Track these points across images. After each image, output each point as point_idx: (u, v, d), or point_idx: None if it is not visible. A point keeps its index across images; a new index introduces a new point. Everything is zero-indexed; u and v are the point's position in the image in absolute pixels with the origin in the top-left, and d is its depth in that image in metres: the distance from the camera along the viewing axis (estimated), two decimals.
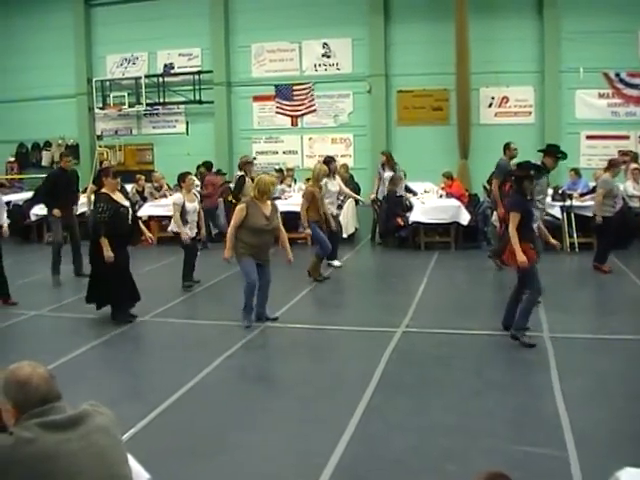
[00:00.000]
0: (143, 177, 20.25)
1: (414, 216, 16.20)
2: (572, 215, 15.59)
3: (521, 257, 8.57)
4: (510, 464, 5.53)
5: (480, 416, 6.63)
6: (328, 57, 26.74)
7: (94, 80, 28.54)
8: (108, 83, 28.53)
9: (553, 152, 11.17)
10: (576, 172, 18.62)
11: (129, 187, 19.66)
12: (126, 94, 27.96)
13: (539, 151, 10.92)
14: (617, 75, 24.51)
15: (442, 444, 5.93)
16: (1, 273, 11.50)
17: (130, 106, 27.99)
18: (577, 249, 15.40)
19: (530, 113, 25.29)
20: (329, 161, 14.68)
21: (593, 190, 16.08)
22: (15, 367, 3.12)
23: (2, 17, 28.92)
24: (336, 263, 14.48)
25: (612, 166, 13.00)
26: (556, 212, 15.71)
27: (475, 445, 5.96)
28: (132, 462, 3.40)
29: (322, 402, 7.01)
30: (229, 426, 6.45)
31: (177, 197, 12.60)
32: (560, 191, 16.67)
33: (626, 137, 24.39)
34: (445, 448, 5.86)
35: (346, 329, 9.83)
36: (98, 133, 29.22)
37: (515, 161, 12.13)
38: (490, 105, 25.54)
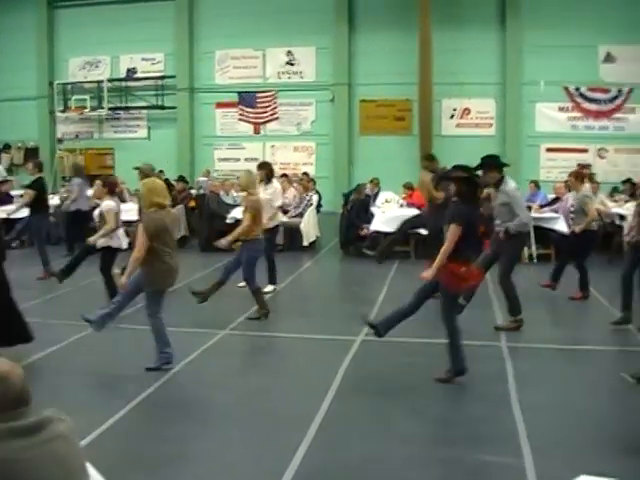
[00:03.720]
0: (100, 182, 20.03)
1: (375, 225, 16.26)
2: (531, 227, 15.72)
3: (429, 273, 7.69)
4: (468, 472, 5.57)
5: (438, 424, 6.67)
6: (292, 65, 26.81)
7: (56, 83, 28.38)
8: (70, 86, 28.38)
9: (494, 164, 10.09)
10: (535, 184, 18.83)
11: (89, 192, 19.51)
12: (88, 98, 27.80)
13: (476, 168, 10.11)
14: (577, 89, 24.90)
15: (401, 452, 5.94)
16: None
17: (92, 110, 27.85)
18: (535, 260, 15.55)
19: (491, 125, 25.57)
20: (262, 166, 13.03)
21: (552, 202, 16.27)
22: None
23: None
24: (268, 288, 12.62)
25: (583, 177, 12.86)
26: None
27: (434, 453, 5.99)
28: (91, 470, 3.36)
29: (281, 410, 6.98)
30: (188, 434, 6.41)
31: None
32: None
33: (585, 150, 24.76)
34: (404, 456, 5.87)
35: (305, 337, 9.83)
36: (59, 136, 29.00)
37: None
38: (452, 116, 25.79)
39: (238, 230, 10.77)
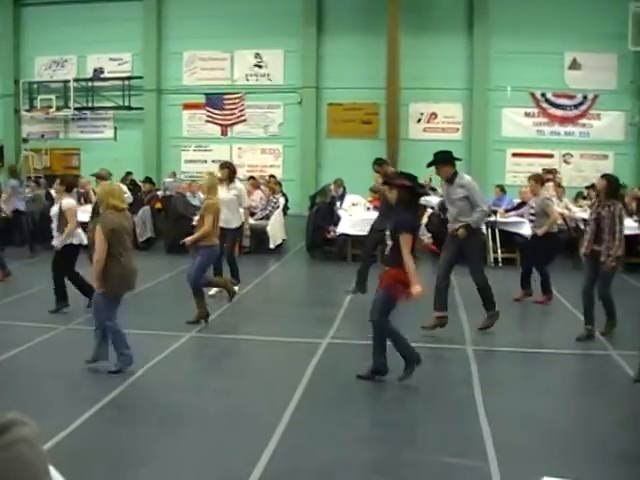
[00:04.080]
0: (58, 180, 19.84)
1: (341, 228, 16.27)
2: (496, 231, 15.84)
3: (417, 287, 7.53)
4: (433, 475, 5.60)
5: (403, 428, 6.69)
6: (260, 67, 26.80)
7: (21, 82, 28.09)
8: (36, 85, 28.08)
9: (448, 159, 9.99)
10: (501, 188, 18.94)
11: (54, 192, 19.34)
12: (54, 97, 27.56)
13: (430, 165, 10.06)
14: (543, 95, 25.17)
15: (367, 456, 5.95)
16: None
17: (58, 109, 27.61)
18: (500, 264, 15.66)
19: (458, 129, 25.75)
20: (225, 165, 12.87)
21: (518, 207, 16.37)
22: None
23: None
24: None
25: (543, 181, 12.91)
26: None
27: (399, 456, 6.00)
28: (55, 475, 3.32)
29: (247, 413, 6.96)
30: (152, 437, 6.37)
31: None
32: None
33: (550, 156, 25.04)
34: (370, 459, 5.88)
35: (271, 340, 9.81)
36: (24, 136, 28.73)
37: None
38: (419, 120, 25.93)
39: (198, 233, 10.60)
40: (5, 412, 3.04)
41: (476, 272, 10.02)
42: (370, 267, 12.33)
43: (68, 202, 11.04)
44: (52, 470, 3.27)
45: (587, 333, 9.71)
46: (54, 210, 11.27)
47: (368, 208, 17.77)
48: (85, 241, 11.16)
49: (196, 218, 16.28)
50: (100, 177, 12.34)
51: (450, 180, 9.97)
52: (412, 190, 7.90)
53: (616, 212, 9.40)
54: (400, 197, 7.86)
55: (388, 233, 7.87)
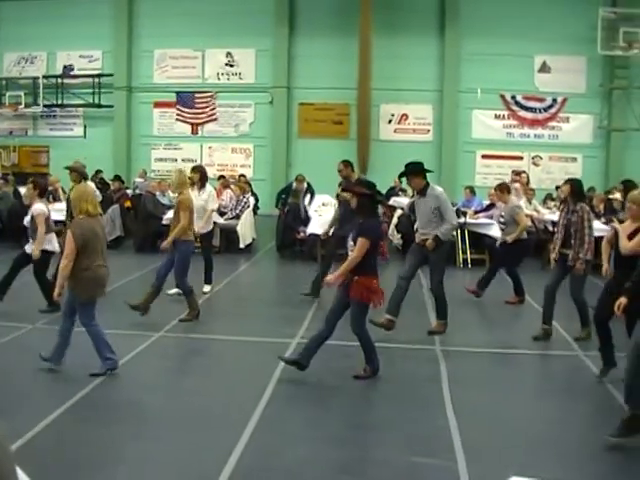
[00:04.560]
0: (31, 185, 19.65)
1: (311, 228, 16.27)
2: (466, 232, 15.93)
3: (334, 278, 7.99)
4: (402, 475, 5.63)
5: (372, 427, 6.71)
6: (231, 66, 26.77)
7: None
8: (4, 82, 27.81)
9: (420, 170, 9.92)
10: (471, 190, 19.03)
11: (23, 190, 19.17)
12: (23, 94, 27.32)
13: (401, 175, 10.05)
14: (513, 97, 25.40)
15: (335, 455, 5.97)
16: None
17: (26, 106, 27.37)
18: (470, 265, 15.76)
19: (429, 131, 25.89)
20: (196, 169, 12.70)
21: (487, 208, 16.48)
22: None
23: None
24: (206, 288, 12.69)
25: (508, 189, 12.91)
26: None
27: (367, 456, 6.04)
28: (21, 475, 3.31)
29: (216, 412, 6.96)
30: (122, 436, 6.35)
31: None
32: (455, 208, 17.00)
33: (520, 158, 25.26)
34: (338, 459, 5.90)
35: (241, 339, 9.80)
36: None
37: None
38: (390, 121, 26.04)
39: (176, 230, 10.58)
40: None
41: (435, 283, 10.04)
42: (328, 272, 12.35)
43: (38, 207, 10.87)
44: (19, 471, 3.26)
45: (544, 332, 9.82)
46: (27, 218, 11.15)
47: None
48: (57, 247, 11.02)
49: (166, 217, 16.37)
50: (74, 170, 12.15)
51: (422, 192, 9.94)
52: (371, 197, 8.10)
53: (584, 216, 9.48)
54: (360, 204, 8.04)
55: (351, 240, 7.95)
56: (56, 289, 8.08)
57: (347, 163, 12.57)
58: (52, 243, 11.00)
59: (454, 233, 14.86)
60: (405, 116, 26.01)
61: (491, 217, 15.66)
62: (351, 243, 8.03)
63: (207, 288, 12.60)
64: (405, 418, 6.86)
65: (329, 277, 8.14)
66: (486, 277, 12.45)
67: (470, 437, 6.24)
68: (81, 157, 13.25)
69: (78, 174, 11.92)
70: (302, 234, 16.67)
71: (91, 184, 12.67)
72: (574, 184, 9.77)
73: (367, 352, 8.10)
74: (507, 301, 12.23)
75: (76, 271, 7.78)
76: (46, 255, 10.97)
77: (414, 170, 9.96)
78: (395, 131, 26.06)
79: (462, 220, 15.83)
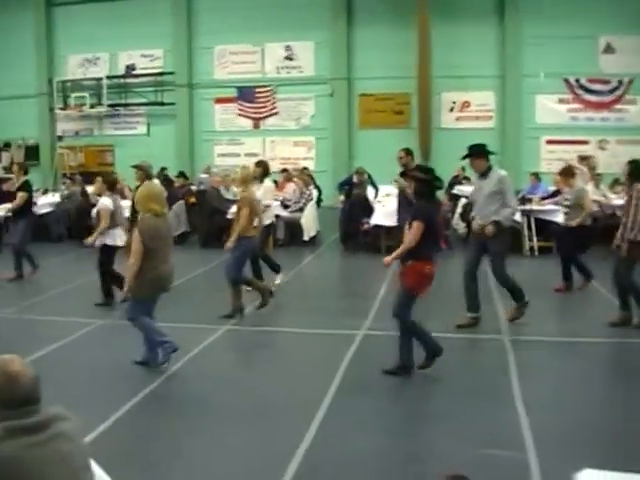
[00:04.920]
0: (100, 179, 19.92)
1: (375, 219, 16.21)
2: (532, 219, 15.70)
3: (390, 259, 7.91)
4: (470, 467, 5.54)
5: (440, 419, 6.66)
6: (291, 60, 26.81)
7: (55, 80, 28.35)
8: (69, 83, 28.35)
9: (483, 152, 9.88)
10: (536, 176, 18.79)
11: (90, 189, 19.49)
12: (87, 95, 27.82)
13: (464, 157, 10.02)
14: (577, 81, 24.88)
15: (403, 447, 5.94)
16: None
17: (91, 107, 27.88)
18: (537, 253, 15.53)
19: (491, 117, 25.58)
20: (259, 164, 12.73)
21: (553, 195, 16.22)
22: (6, 359, 3.07)
23: None
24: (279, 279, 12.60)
25: (572, 173, 12.67)
26: (516, 216, 15.80)
27: (435, 448, 5.98)
28: (95, 467, 3.36)
29: (282, 405, 6.97)
30: (190, 430, 6.41)
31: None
32: (520, 195, 16.78)
33: (585, 142, 24.73)
34: (406, 450, 5.87)
35: (307, 332, 9.82)
36: (59, 134, 29.01)
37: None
38: (451, 109, 25.82)
39: (237, 229, 10.63)
40: (48, 407, 3.08)
41: (498, 270, 9.87)
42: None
43: (102, 202, 11.13)
44: (93, 464, 3.32)
45: (623, 318, 9.62)
46: (94, 211, 11.41)
47: None
48: (119, 243, 11.20)
49: (231, 211, 16.51)
50: (140, 168, 12.36)
51: (484, 174, 9.82)
52: (428, 182, 8.01)
53: (634, 194, 9.26)
54: (416, 189, 8.03)
55: (407, 226, 7.92)
56: (125, 286, 8.14)
57: (407, 151, 12.51)
58: (114, 237, 11.18)
59: (519, 221, 14.69)
60: (467, 103, 25.74)
61: (557, 203, 15.39)
62: (407, 227, 7.95)
63: (279, 279, 12.50)
64: (473, 409, 6.79)
65: (387, 258, 8.00)
66: (564, 269, 12.21)
67: (540, 428, 6.14)
68: (145, 155, 13.33)
69: (143, 172, 12.12)
70: (366, 225, 16.61)
71: (156, 182, 12.78)
72: (632, 164, 9.53)
73: (401, 342, 7.86)
74: (556, 289, 11.99)
75: (140, 270, 7.85)
76: (108, 249, 11.18)
77: (477, 151, 9.87)
78: (457, 119, 25.82)
79: (528, 207, 15.62)
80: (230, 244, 10.71)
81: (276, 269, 12.54)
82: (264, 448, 5.95)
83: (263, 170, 12.45)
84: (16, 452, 2.83)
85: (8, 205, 15.99)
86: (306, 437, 6.07)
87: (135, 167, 12.66)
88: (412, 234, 7.65)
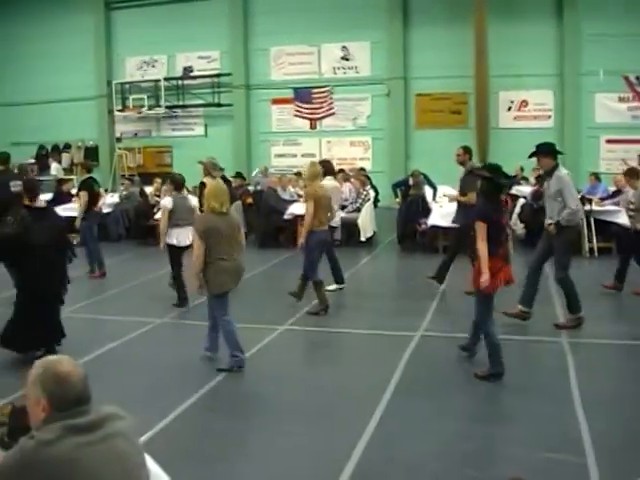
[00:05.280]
0: (160, 180, 20.18)
1: (432, 220, 16.14)
2: (592, 220, 15.47)
3: (483, 277, 7.55)
4: (529, 470, 5.51)
5: (499, 421, 6.62)
6: (347, 60, 26.82)
7: (114, 82, 28.77)
8: (128, 85, 28.78)
9: (550, 150, 9.88)
10: (596, 177, 18.53)
11: (148, 189, 19.77)
12: (145, 96, 28.16)
13: (531, 155, 10.02)
14: (638, 78, 24.42)
15: (461, 449, 5.92)
16: None
17: (149, 108, 28.20)
18: (596, 254, 15.30)
19: (549, 117, 25.28)
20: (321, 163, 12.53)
21: (613, 195, 15.99)
22: (55, 360, 3.11)
23: (23, 22, 29.16)
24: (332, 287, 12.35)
25: (638, 174, 12.44)
26: (579, 217, 15.60)
27: (493, 450, 5.96)
28: (151, 464, 3.40)
29: (340, 405, 7.01)
30: (247, 429, 6.47)
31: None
32: (579, 196, 16.54)
33: None
34: (464, 453, 5.84)
35: (364, 332, 9.83)
36: (117, 135, 29.39)
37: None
38: (509, 109, 25.56)
39: (304, 226, 10.90)
40: (103, 406, 3.14)
41: (559, 270, 9.82)
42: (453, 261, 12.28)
43: (162, 202, 11.35)
44: (149, 461, 3.37)
45: None
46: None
47: None
48: (179, 242, 11.35)
49: (288, 212, 16.74)
50: (205, 168, 12.64)
51: (549, 173, 9.81)
52: (492, 182, 7.96)
53: None
54: (480, 187, 8.05)
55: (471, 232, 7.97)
56: (195, 284, 8.28)
57: (466, 149, 12.44)
58: (172, 237, 11.34)
59: (580, 221, 14.45)
60: (525, 102, 25.47)
61: (618, 204, 15.17)
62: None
63: (333, 287, 12.36)
64: (531, 412, 6.74)
65: (484, 278, 7.60)
66: (620, 269, 12.00)
67: (600, 433, 6.07)
68: (203, 156, 13.44)
69: (204, 168, 12.41)
70: (423, 226, 16.56)
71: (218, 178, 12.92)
72: None
73: (489, 350, 7.80)
74: (636, 292, 11.78)
75: (204, 266, 8.01)
76: (171, 249, 11.34)
77: (544, 150, 9.85)
78: (515, 118, 25.56)
79: (587, 207, 15.41)
80: (300, 240, 10.97)
81: (337, 276, 12.55)
82: (321, 448, 5.99)
83: (324, 170, 12.36)
84: (72, 452, 2.87)
85: (70, 205, 16.32)
86: (363, 437, 6.10)
87: (200, 163, 12.97)
88: (479, 237, 7.63)
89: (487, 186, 7.95)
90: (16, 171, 14.49)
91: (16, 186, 12.63)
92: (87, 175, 14.33)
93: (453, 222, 12.62)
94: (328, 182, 12.47)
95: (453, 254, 12.27)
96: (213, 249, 7.99)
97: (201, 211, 10.17)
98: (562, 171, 9.73)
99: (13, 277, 8.76)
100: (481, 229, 7.61)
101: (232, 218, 8.40)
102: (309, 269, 10.90)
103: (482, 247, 7.58)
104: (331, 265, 12.31)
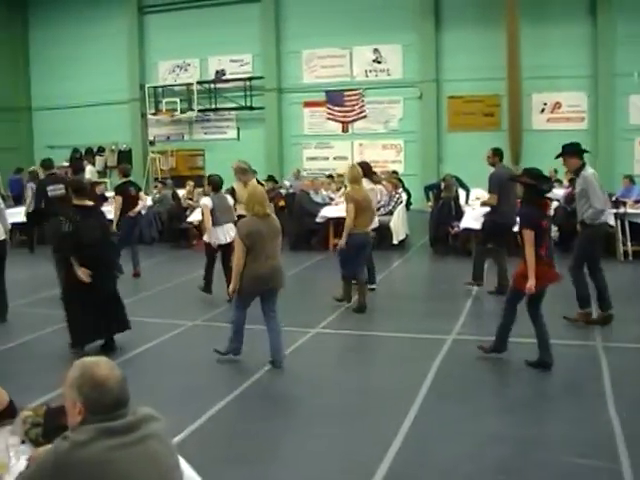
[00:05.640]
0: (192, 183, 20.30)
1: (465, 222, 16.07)
2: (626, 223, 15.33)
3: (530, 283, 7.76)
4: (561, 476, 5.49)
5: (531, 426, 6.59)
6: (379, 63, 26.82)
7: (147, 86, 29.00)
8: (160, 89, 29.00)
9: (576, 150, 9.90)
10: (630, 179, 18.38)
11: (181, 192, 19.90)
12: (178, 100, 28.35)
13: (558, 156, 10.05)
14: None
15: (493, 453, 5.90)
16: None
17: (182, 112, 28.39)
18: (631, 257, 15.16)
19: (583, 119, 25.07)
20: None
21: None
22: (92, 363, 3.07)
23: (58, 26, 29.53)
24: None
25: None
26: (609, 220, 15.48)
27: (526, 455, 5.93)
28: (185, 467, 3.43)
29: (373, 408, 7.03)
30: (279, 431, 6.50)
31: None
32: (614, 198, 16.42)
33: None
34: (496, 457, 5.83)
35: (397, 335, 9.82)
36: (150, 138, 29.65)
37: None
38: (542, 111, 25.41)
39: (345, 229, 11.10)
40: (138, 408, 3.16)
41: (573, 267, 9.88)
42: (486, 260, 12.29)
43: (202, 202, 11.64)
44: (183, 462, 3.40)
45: None
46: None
47: None
48: (217, 240, 11.67)
49: (320, 215, 16.82)
50: (235, 172, 12.90)
51: (576, 173, 9.92)
52: (536, 189, 8.05)
53: None
54: (524, 195, 8.16)
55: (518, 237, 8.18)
56: (231, 285, 8.42)
57: (495, 151, 12.43)
58: (215, 235, 11.64)
59: (612, 223, 14.32)
60: (558, 104, 25.30)
61: None
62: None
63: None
64: (565, 417, 6.71)
65: (529, 284, 7.83)
66: None
67: (634, 438, 6.02)
68: (235, 160, 13.48)
69: (235, 173, 12.67)
70: (455, 229, 16.51)
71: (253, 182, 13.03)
72: None
73: (538, 341, 8.11)
74: None
75: (243, 268, 8.14)
76: (207, 246, 11.77)
77: (570, 150, 9.90)
78: (548, 120, 25.40)
79: (621, 210, 15.28)
80: (341, 242, 11.18)
81: (370, 277, 12.53)
82: (354, 450, 6.01)
83: (362, 171, 12.32)
84: (104, 454, 2.87)
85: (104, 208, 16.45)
86: (396, 440, 6.10)
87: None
88: (526, 245, 7.79)
89: (530, 193, 8.04)
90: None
91: (55, 190, 12.80)
92: (124, 179, 14.46)
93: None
94: (364, 184, 12.51)
95: (482, 254, 12.27)
96: (254, 252, 8.10)
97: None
98: (588, 170, 9.80)
99: (60, 274, 9.05)
100: (528, 236, 7.77)
101: (274, 220, 8.50)
102: (348, 270, 11.14)
103: (530, 253, 7.73)
104: (366, 266, 12.29)
